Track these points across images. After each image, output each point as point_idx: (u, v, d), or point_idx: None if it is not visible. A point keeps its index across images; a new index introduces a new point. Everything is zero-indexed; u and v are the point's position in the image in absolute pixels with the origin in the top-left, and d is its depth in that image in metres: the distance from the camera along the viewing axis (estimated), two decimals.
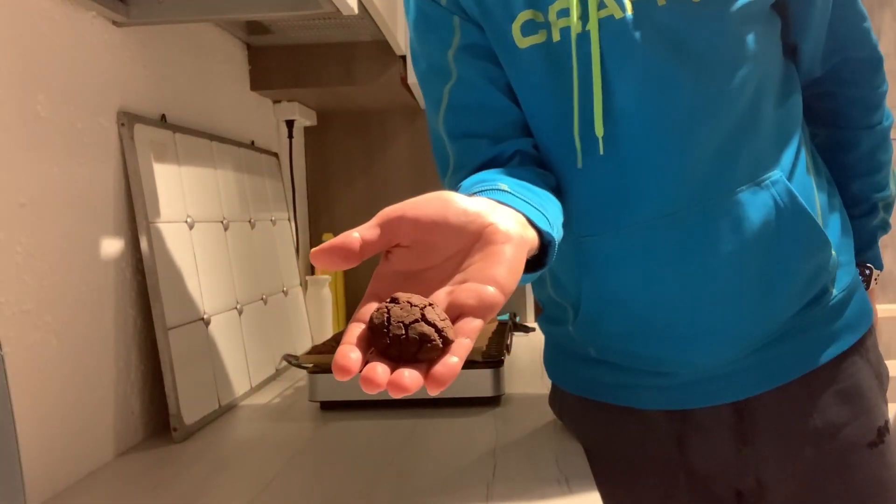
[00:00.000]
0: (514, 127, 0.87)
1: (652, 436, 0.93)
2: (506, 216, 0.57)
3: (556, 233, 0.67)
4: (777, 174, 0.82)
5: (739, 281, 0.83)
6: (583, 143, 0.82)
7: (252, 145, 1.69)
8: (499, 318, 1.86)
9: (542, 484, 0.89)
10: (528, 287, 2.18)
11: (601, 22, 0.78)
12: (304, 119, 2.02)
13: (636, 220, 0.82)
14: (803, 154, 0.88)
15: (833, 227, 0.90)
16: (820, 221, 0.86)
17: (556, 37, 0.81)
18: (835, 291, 0.89)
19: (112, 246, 1.11)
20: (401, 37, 1.70)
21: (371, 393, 0.48)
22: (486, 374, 1.26)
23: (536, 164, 0.85)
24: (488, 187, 0.66)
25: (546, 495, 0.85)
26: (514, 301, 2.18)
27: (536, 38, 0.82)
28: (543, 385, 1.40)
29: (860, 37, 0.92)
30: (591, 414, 0.97)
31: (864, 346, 0.91)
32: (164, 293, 1.15)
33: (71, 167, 1.01)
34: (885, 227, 1.01)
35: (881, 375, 0.93)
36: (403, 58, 1.75)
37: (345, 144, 2.21)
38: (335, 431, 1.16)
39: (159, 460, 1.06)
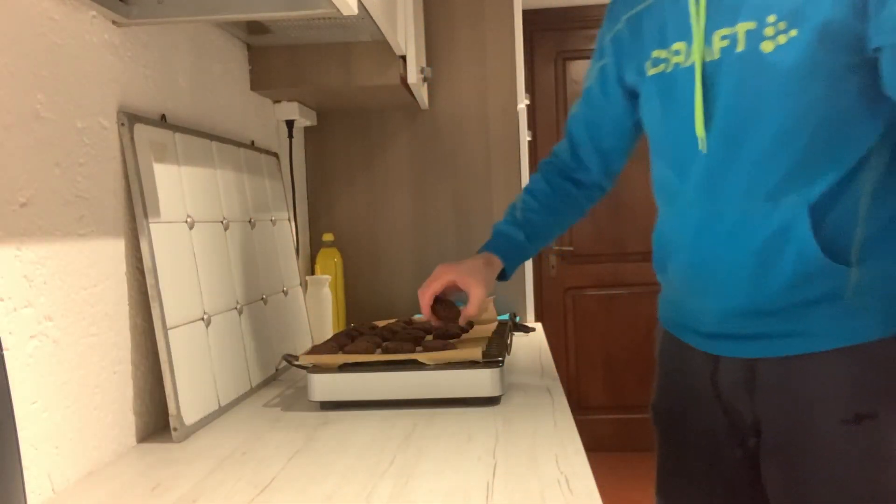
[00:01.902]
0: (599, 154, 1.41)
1: (696, 368, 1.20)
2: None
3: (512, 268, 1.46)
4: (800, 199, 1.03)
5: (740, 264, 1.08)
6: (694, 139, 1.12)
7: (252, 145, 1.69)
8: (499, 318, 1.86)
9: (542, 484, 0.89)
10: (529, 288, 2.19)
11: (722, 51, 1.08)
12: (304, 119, 2.02)
13: (693, 193, 1.13)
14: (857, 187, 1.03)
15: (873, 254, 1.04)
16: (855, 251, 1.03)
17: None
18: (848, 301, 1.04)
19: (112, 246, 1.11)
20: (401, 37, 1.70)
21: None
22: (486, 374, 1.26)
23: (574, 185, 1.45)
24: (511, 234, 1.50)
25: (546, 495, 0.85)
26: (515, 301, 2.18)
27: (660, 69, 1.17)
28: (543, 385, 1.40)
29: None
30: (668, 343, 1.29)
31: (870, 347, 1.04)
32: (164, 293, 1.15)
33: (71, 167, 1.01)
34: None
35: (891, 372, 1.04)
36: (403, 58, 1.75)
37: (345, 144, 2.21)
38: (335, 431, 1.16)
39: (159, 460, 1.06)
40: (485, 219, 2.18)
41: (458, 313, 1.39)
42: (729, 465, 1.20)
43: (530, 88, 3.78)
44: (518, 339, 1.91)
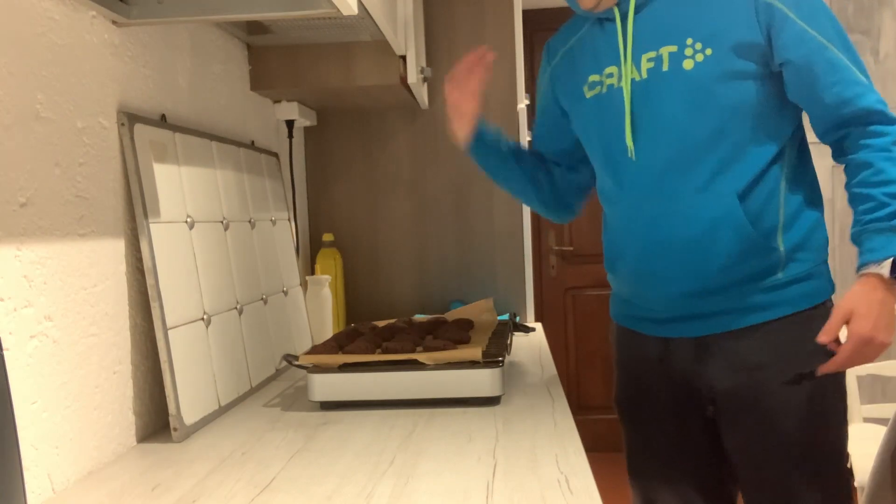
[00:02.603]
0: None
1: (649, 354, 1.35)
2: None
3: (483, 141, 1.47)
4: (729, 189, 1.21)
5: (684, 251, 1.24)
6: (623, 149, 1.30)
7: (252, 145, 1.69)
8: (499, 318, 1.86)
9: (542, 484, 0.89)
10: (529, 288, 2.19)
11: (648, 72, 1.25)
12: (304, 119, 2.02)
13: (631, 198, 1.29)
14: (775, 176, 1.23)
15: (795, 232, 1.24)
16: (780, 231, 1.23)
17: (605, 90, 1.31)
18: (780, 276, 1.24)
19: (112, 246, 1.11)
20: (401, 37, 1.70)
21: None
22: (486, 374, 1.26)
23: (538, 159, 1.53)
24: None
25: (546, 495, 0.85)
26: (515, 301, 2.18)
27: (596, 91, 1.32)
28: (543, 385, 1.40)
29: (838, 100, 1.20)
30: (621, 336, 1.41)
31: (803, 316, 1.24)
32: (164, 293, 1.15)
33: (71, 167, 1.01)
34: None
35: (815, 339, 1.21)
36: (403, 58, 1.75)
37: (345, 144, 2.21)
38: (335, 431, 1.16)
39: (159, 460, 1.06)
40: (485, 219, 2.18)
41: None
42: (691, 436, 1.35)
43: (530, 88, 3.78)
44: (518, 339, 1.91)
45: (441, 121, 2.18)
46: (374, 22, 1.43)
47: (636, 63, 1.25)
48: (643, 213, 1.27)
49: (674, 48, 1.22)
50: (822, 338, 1.18)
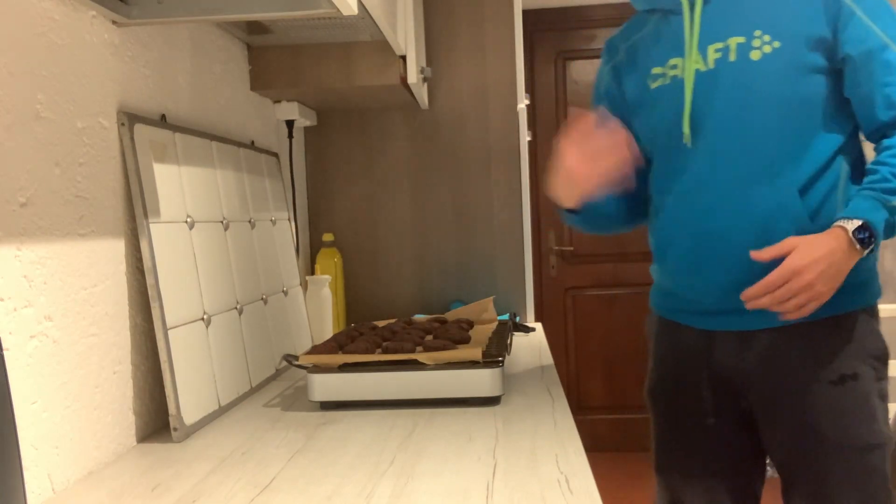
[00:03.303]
0: None
1: (691, 346, 1.36)
2: None
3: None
4: (790, 182, 1.21)
5: (737, 242, 1.24)
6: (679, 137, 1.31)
7: (252, 145, 1.69)
8: (499, 318, 1.86)
9: (542, 484, 0.89)
10: (529, 288, 2.19)
11: (716, 63, 1.26)
12: (304, 119, 2.02)
13: (687, 188, 1.29)
14: (836, 171, 1.23)
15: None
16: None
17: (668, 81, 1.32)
18: None
19: (112, 246, 1.11)
20: (401, 37, 1.70)
21: None
22: (486, 374, 1.26)
23: None
24: None
25: (546, 495, 0.85)
26: (515, 301, 2.18)
27: (659, 83, 1.34)
28: (543, 385, 1.40)
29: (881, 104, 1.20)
30: (662, 328, 1.42)
31: (849, 318, 1.24)
32: (164, 293, 1.15)
33: (71, 167, 1.01)
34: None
35: (864, 341, 1.24)
36: (403, 58, 1.75)
37: (345, 144, 2.21)
38: (335, 431, 1.16)
39: (159, 460, 1.06)
40: (485, 219, 2.18)
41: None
42: (726, 432, 1.36)
43: (530, 88, 3.78)
44: (518, 339, 1.91)
45: (441, 121, 2.18)
46: (374, 22, 1.44)
47: (703, 53, 1.27)
48: (697, 202, 1.28)
49: (742, 39, 1.23)
50: (755, 254, 1.17)
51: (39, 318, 0.93)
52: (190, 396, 1.17)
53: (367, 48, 1.74)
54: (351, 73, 1.75)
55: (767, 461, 1.38)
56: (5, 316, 0.87)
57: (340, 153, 2.21)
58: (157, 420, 1.21)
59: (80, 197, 1.03)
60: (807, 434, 1.26)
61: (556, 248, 3.88)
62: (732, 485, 1.38)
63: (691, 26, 1.28)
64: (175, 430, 1.13)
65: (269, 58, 1.75)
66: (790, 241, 1.16)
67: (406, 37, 1.73)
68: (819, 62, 1.20)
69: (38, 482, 0.92)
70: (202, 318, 1.26)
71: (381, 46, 1.72)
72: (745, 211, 1.24)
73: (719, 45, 1.25)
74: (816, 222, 1.21)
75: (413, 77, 1.75)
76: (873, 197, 1.16)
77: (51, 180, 0.97)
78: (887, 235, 1.17)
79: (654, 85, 1.34)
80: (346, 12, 1.10)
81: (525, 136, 2.19)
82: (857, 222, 1.14)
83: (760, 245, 1.21)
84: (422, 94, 1.98)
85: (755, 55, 1.22)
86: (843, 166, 1.24)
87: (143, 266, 1.15)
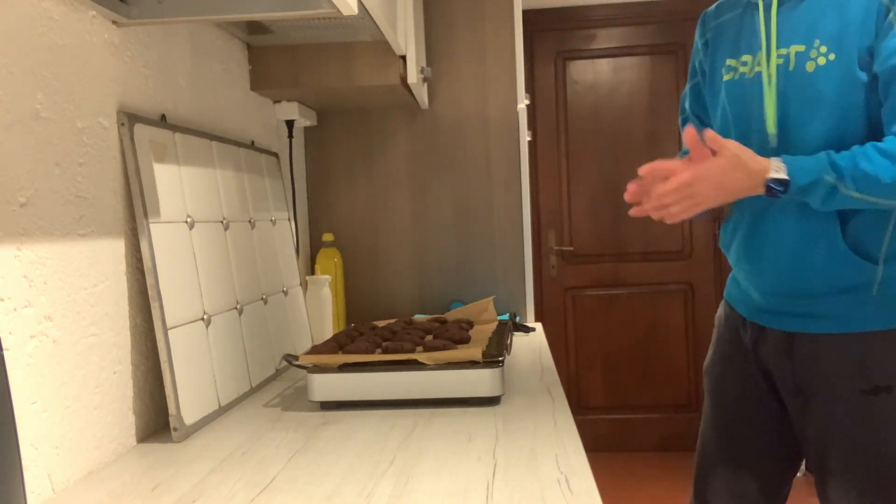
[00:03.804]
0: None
1: (743, 335, 1.41)
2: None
3: None
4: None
5: (777, 254, 1.29)
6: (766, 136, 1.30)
7: (252, 145, 1.69)
8: (499, 318, 1.86)
9: (542, 484, 0.89)
10: (529, 288, 2.19)
11: (777, 68, 1.27)
12: (304, 119, 2.02)
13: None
14: None
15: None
16: (884, 251, 1.22)
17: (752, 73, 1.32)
18: (874, 292, 1.23)
19: (112, 246, 1.11)
20: (401, 37, 1.70)
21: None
22: (486, 374, 1.26)
23: None
24: None
25: (546, 495, 0.85)
26: (515, 301, 2.18)
27: (730, 76, 1.35)
28: (543, 385, 1.40)
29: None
30: (727, 313, 1.46)
31: (888, 334, 1.23)
32: (164, 293, 1.15)
33: (71, 167, 1.01)
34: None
35: None
36: (403, 58, 1.75)
37: (345, 144, 2.21)
38: (335, 431, 1.16)
39: (159, 460, 1.06)
40: (485, 219, 2.18)
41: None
42: (764, 422, 1.40)
43: (530, 88, 3.78)
44: (518, 339, 1.91)
45: (441, 121, 2.18)
46: (374, 22, 1.43)
47: (767, 58, 1.28)
48: (750, 207, 1.32)
49: (801, 48, 1.23)
50: (643, 168, 1.22)
51: (39, 318, 0.93)
52: (190, 396, 1.17)
53: (367, 48, 1.74)
54: (351, 73, 1.75)
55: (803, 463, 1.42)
56: (5, 316, 0.87)
57: (340, 153, 2.21)
58: (157, 420, 1.21)
59: (80, 197, 1.03)
60: (836, 440, 1.27)
61: (556, 248, 3.88)
62: (760, 473, 1.41)
63: (767, 27, 1.28)
64: (175, 430, 1.13)
65: (269, 58, 1.75)
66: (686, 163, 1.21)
67: (406, 37, 1.73)
68: (865, 77, 1.18)
69: (38, 482, 0.92)
70: (202, 318, 1.26)
71: (381, 46, 1.72)
72: (785, 225, 1.27)
73: (783, 51, 1.25)
74: (858, 249, 1.22)
75: (413, 77, 1.75)
76: (820, 165, 1.16)
77: (51, 180, 0.97)
78: (816, 201, 1.18)
79: (726, 77, 1.35)
80: (346, 12, 1.10)
81: (525, 136, 2.19)
82: (783, 176, 1.17)
83: (797, 261, 1.26)
84: (422, 94, 1.98)
85: (810, 66, 1.22)
86: None
87: (143, 266, 1.15)
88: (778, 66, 1.25)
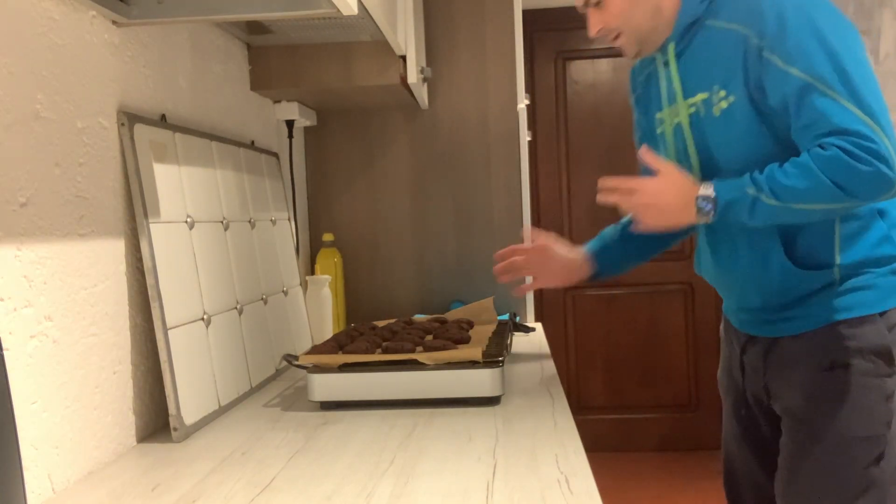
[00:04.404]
0: None
1: (735, 344, 1.46)
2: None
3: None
4: (770, 229, 1.28)
5: (739, 277, 1.36)
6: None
7: (252, 145, 1.69)
8: (499, 318, 1.86)
9: (542, 484, 0.89)
10: None
11: (690, 117, 1.35)
12: (304, 119, 2.02)
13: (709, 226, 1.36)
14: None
15: (853, 254, 1.27)
16: (836, 253, 1.27)
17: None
18: (837, 288, 1.27)
19: (112, 246, 1.11)
20: (401, 37, 1.70)
21: None
22: (486, 374, 1.26)
23: None
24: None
25: (546, 495, 0.85)
26: (514, 301, 2.18)
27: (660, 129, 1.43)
28: (543, 385, 1.40)
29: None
30: (726, 324, 1.52)
31: (858, 321, 1.27)
32: (164, 293, 1.15)
33: (71, 167, 1.01)
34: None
35: (865, 337, 1.26)
36: (403, 58, 1.75)
37: (345, 144, 2.21)
38: (335, 431, 1.16)
39: (159, 460, 1.06)
40: (485, 219, 2.18)
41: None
42: (753, 424, 1.43)
43: (530, 88, 3.77)
44: (518, 339, 1.91)
45: (441, 121, 2.18)
46: (374, 22, 1.43)
47: (681, 109, 1.36)
48: (706, 237, 1.41)
49: (705, 95, 1.30)
50: (604, 182, 1.29)
51: (39, 318, 0.93)
52: (190, 396, 1.17)
53: (367, 48, 1.74)
54: (351, 73, 1.75)
55: None
56: (5, 316, 0.87)
57: (340, 153, 2.21)
58: (157, 420, 1.21)
59: (80, 197, 1.03)
60: (792, 418, 1.30)
61: None
62: (750, 483, 1.45)
63: (668, 83, 1.36)
64: (175, 430, 1.13)
65: (269, 58, 1.75)
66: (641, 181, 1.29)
67: (406, 37, 1.73)
68: (765, 109, 1.23)
69: (38, 482, 0.92)
70: (202, 318, 1.26)
71: (381, 46, 1.72)
72: (739, 251, 1.34)
73: (691, 100, 1.33)
74: (807, 261, 1.28)
75: (413, 77, 1.75)
76: (742, 182, 1.21)
77: (51, 180, 0.97)
78: (744, 214, 1.21)
79: (658, 130, 1.43)
80: (346, 12, 1.10)
81: (525, 136, 2.19)
82: (710, 193, 1.23)
83: (757, 281, 1.33)
84: (422, 94, 1.98)
85: (717, 111, 1.28)
86: None
87: (143, 266, 1.15)
88: (691, 116, 1.32)
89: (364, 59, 1.74)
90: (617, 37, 1.37)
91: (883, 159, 1.12)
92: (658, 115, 1.42)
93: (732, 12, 1.25)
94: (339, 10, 1.09)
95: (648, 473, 3.54)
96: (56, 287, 0.97)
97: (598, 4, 1.36)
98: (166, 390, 1.13)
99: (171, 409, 1.13)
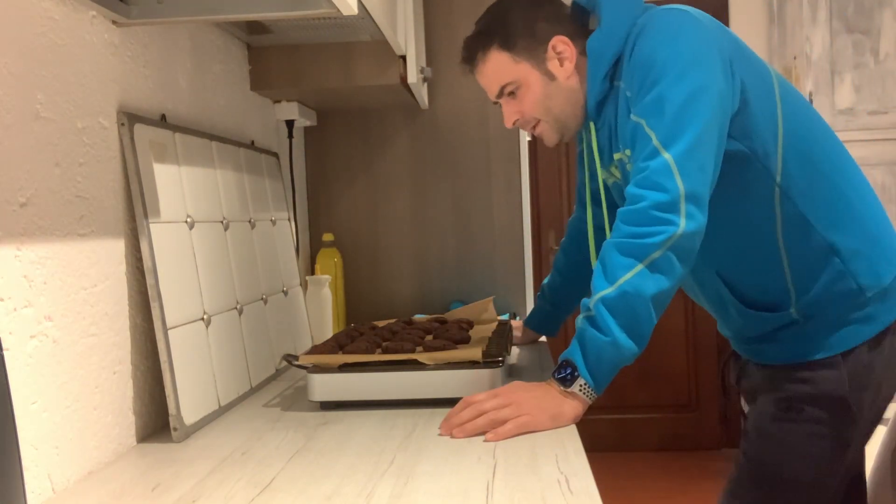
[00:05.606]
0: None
1: (734, 364, 1.49)
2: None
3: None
4: (711, 270, 1.31)
5: (710, 307, 1.42)
6: None
7: (252, 145, 1.69)
8: (499, 318, 1.86)
9: (542, 484, 0.89)
10: (529, 288, 2.19)
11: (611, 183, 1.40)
12: (304, 119, 2.02)
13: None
14: (764, 247, 1.26)
15: (808, 292, 1.26)
16: (792, 292, 1.26)
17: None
18: (802, 327, 1.27)
19: (112, 246, 1.11)
20: (401, 37, 1.70)
21: None
22: (486, 374, 1.26)
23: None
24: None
25: (546, 495, 0.85)
26: (515, 301, 2.18)
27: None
28: None
29: None
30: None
31: (813, 365, 1.27)
32: (164, 293, 1.15)
33: (71, 167, 1.01)
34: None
35: (825, 382, 1.26)
36: (403, 58, 1.75)
37: (345, 144, 2.21)
38: (335, 431, 1.16)
39: (159, 460, 1.06)
40: (485, 219, 2.18)
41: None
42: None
43: None
44: None
45: (441, 121, 2.18)
46: (374, 22, 1.43)
47: (609, 169, 1.38)
48: (690, 279, 1.42)
49: (620, 155, 1.29)
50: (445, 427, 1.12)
51: (39, 318, 0.93)
52: (190, 396, 1.17)
53: (367, 48, 1.74)
54: (351, 73, 1.75)
55: None
56: (5, 316, 0.87)
57: (340, 153, 2.21)
58: (157, 420, 1.21)
59: (80, 197, 1.03)
60: (748, 441, 1.34)
61: (556, 248, 3.87)
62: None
63: (588, 148, 1.39)
64: (175, 430, 1.13)
65: (269, 58, 1.75)
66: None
67: (406, 37, 1.73)
68: None
69: (38, 482, 0.92)
70: (202, 318, 1.26)
71: (381, 46, 1.72)
72: (702, 291, 1.38)
73: (617, 155, 1.31)
74: (758, 302, 1.30)
75: (413, 77, 1.75)
76: (578, 335, 1.19)
77: (51, 180, 0.97)
78: (607, 350, 1.15)
79: (610, 181, 1.41)
80: (346, 12, 1.10)
81: (525, 136, 2.19)
82: (559, 362, 1.17)
83: (723, 317, 1.39)
84: (422, 94, 1.98)
85: (629, 168, 1.25)
86: (772, 238, 1.26)
87: (143, 266, 1.15)
88: (624, 172, 1.30)
89: (364, 59, 1.74)
90: (535, 125, 1.35)
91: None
92: (601, 173, 1.41)
93: (624, 70, 1.24)
94: (339, 10, 1.09)
95: (648, 473, 3.54)
96: (56, 287, 0.97)
97: (511, 94, 1.33)
98: (166, 390, 1.13)
99: (171, 409, 1.13)
